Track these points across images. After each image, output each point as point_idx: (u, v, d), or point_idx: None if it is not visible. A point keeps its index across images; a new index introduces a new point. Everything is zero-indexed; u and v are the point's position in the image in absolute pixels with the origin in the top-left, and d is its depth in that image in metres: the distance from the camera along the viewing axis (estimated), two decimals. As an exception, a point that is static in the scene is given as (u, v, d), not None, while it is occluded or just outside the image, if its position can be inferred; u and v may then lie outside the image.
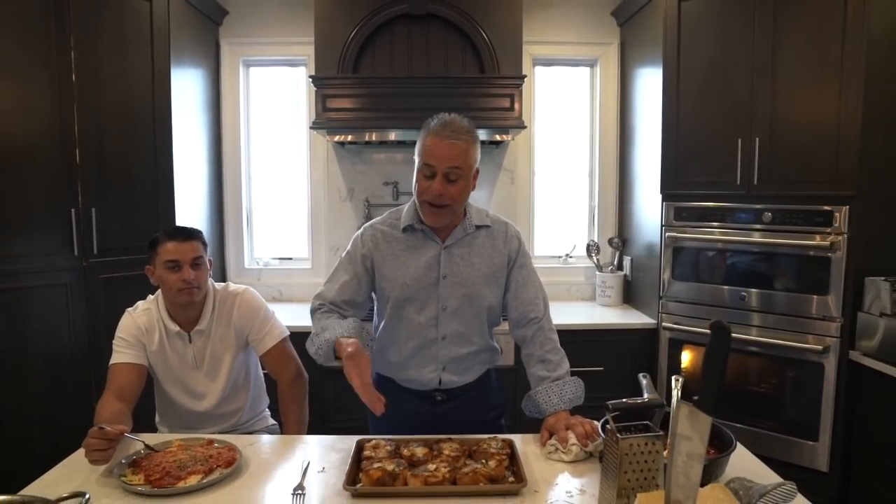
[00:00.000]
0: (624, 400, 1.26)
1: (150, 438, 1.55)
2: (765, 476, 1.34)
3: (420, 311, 1.67)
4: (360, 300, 1.72)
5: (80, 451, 1.49)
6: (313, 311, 1.72)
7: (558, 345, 1.71)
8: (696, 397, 0.86)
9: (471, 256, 1.68)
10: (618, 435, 1.13)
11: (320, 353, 1.59)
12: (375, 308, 1.80)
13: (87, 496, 1.24)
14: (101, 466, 1.41)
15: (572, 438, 1.45)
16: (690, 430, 0.85)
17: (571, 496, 1.28)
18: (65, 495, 1.24)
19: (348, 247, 1.75)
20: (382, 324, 1.74)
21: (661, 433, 1.17)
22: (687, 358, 2.87)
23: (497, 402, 1.85)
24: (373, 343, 1.79)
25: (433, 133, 1.57)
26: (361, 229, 1.76)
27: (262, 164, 3.59)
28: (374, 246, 1.70)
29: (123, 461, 1.40)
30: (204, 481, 1.32)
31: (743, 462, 1.41)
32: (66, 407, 2.56)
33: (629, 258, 3.38)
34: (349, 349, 1.46)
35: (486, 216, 1.74)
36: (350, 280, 1.70)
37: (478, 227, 1.71)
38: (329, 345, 1.55)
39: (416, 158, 1.61)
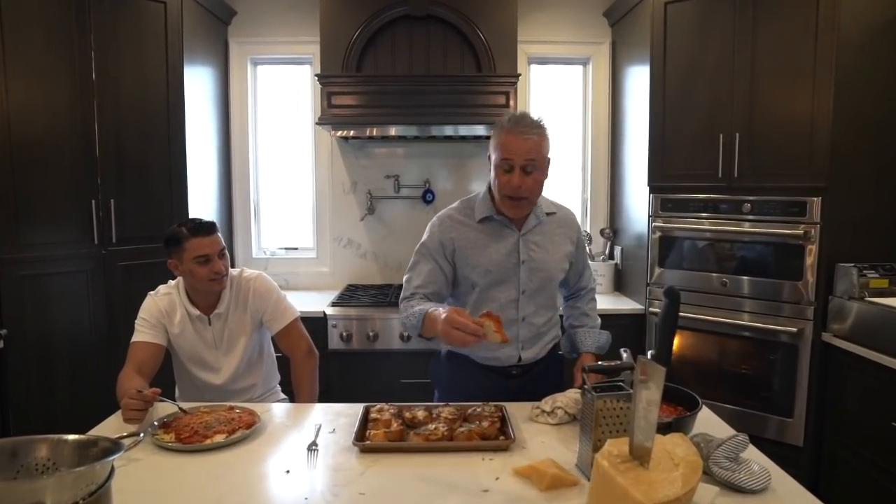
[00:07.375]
0: (600, 363, 1.42)
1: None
2: (726, 433, 1.49)
3: (502, 294, 1.79)
4: (443, 288, 1.81)
5: (110, 419, 1.66)
6: (403, 300, 1.78)
7: (596, 306, 2.05)
8: (652, 351, 1.03)
9: (545, 244, 1.84)
10: (593, 393, 1.29)
11: (411, 319, 1.66)
12: (455, 296, 1.88)
13: (142, 435, 1.47)
14: (133, 426, 1.56)
15: (558, 402, 1.61)
16: (649, 379, 1.01)
17: (554, 451, 1.44)
18: (125, 434, 1.45)
19: (423, 238, 1.83)
20: (466, 310, 1.82)
21: (631, 392, 1.33)
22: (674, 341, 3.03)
23: (560, 372, 2.00)
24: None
25: (508, 129, 1.69)
26: (438, 220, 1.84)
27: (269, 158, 3.74)
28: (454, 234, 1.79)
29: (156, 423, 1.56)
30: (228, 439, 1.49)
31: (710, 423, 1.58)
32: (87, 385, 2.71)
33: (619, 248, 3.54)
34: (445, 312, 1.51)
35: (552, 203, 1.92)
36: (433, 269, 1.78)
37: (548, 215, 1.87)
38: (421, 314, 1.62)
39: (493, 155, 1.73)
